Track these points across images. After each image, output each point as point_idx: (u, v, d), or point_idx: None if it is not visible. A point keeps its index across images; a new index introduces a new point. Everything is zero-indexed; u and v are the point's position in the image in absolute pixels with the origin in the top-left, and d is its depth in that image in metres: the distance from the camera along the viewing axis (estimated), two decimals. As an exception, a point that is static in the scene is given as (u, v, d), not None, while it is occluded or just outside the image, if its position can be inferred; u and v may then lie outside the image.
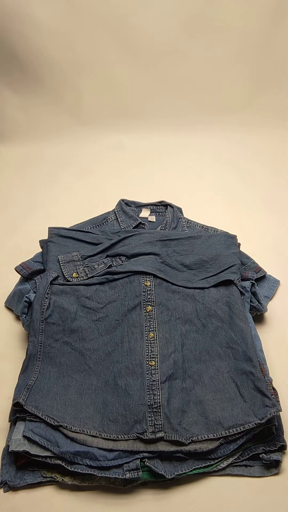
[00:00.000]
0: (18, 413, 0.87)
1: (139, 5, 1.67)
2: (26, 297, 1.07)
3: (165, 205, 1.30)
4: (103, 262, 1.09)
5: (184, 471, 0.82)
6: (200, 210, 1.41)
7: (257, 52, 1.78)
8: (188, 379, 0.92)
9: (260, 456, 0.84)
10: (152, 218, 1.28)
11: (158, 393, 0.87)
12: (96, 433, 0.84)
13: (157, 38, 1.74)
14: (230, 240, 1.15)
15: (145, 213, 1.29)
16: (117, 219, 1.24)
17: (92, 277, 1.08)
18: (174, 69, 1.81)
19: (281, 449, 0.84)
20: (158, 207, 1.30)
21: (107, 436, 0.84)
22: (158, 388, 0.88)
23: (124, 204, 1.28)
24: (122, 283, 1.06)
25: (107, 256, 1.10)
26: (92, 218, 1.28)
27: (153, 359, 0.92)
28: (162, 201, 1.30)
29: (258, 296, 1.09)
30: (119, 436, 0.83)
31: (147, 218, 1.28)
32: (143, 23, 1.70)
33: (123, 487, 0.82)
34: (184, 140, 1.84)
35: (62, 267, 1.07)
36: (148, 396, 0.87)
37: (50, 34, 1.72)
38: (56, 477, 0.83)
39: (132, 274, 1.06)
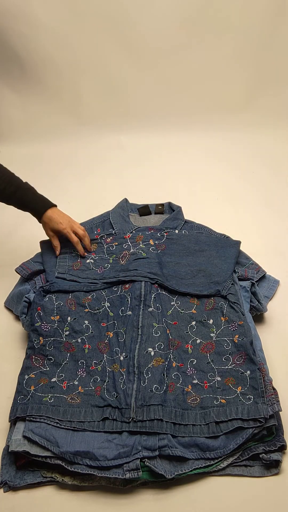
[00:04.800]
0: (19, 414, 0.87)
1: (139, 5, 1.67)
2: (25, 297, 1.08)
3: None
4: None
5: (184, 471, 0.82)
6: (200, 210, 1.41)
7: (257, 51, 1.78)
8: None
9: (260, 456, 0.84)
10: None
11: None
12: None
13: (156, 38, 1.74)
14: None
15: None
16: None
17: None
18: (174, 69, 1.81)
19: (281, 449, 0.84)
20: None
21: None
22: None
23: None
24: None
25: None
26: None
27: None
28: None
29: (258, 296, 1.10)
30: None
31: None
32: (143, 23, 1.71)
33: (123, 487, 0.82)
34: (183, 140, 1.84)
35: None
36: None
37: (50, 34, 1.72)
38: (56, 477, 0.83)
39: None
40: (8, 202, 1.10)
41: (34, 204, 1.09)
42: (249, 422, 0.85)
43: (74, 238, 1.12)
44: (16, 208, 1.11)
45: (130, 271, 1.09)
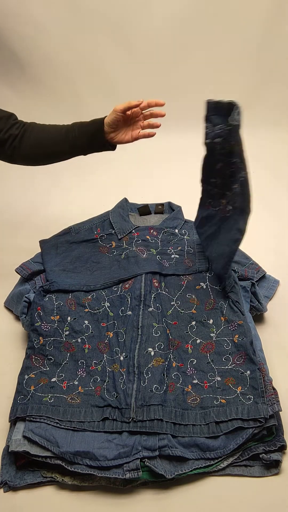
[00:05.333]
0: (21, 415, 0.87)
1: (139, 6, 1.67)
2: (25, 297, 1.08)
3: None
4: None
5: (184, 471, 0.82)
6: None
7: (258, 52, 1.78)
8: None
9: (260, 456, 0.84)
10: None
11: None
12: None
13: (157, 37, 1.74)
14: None
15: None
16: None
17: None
18: (174, 69, 1.81)
19: (281, 449, 0.84)
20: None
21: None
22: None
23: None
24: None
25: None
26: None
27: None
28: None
29: (258, 296, 1.10)
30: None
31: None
32: (143, 22, 1.71)
33: (123, 487, 0.82)
34: (184, 140, 1.84)
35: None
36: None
37: (50, 34, 1.72)
38: (56, 477, 0.83)
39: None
40: (70, 146, 1.10)
41: (91, 123, 1.08)
42: (249, 422, 0.85)
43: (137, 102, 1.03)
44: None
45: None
